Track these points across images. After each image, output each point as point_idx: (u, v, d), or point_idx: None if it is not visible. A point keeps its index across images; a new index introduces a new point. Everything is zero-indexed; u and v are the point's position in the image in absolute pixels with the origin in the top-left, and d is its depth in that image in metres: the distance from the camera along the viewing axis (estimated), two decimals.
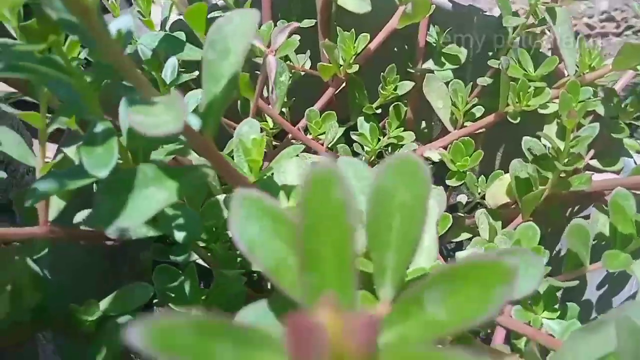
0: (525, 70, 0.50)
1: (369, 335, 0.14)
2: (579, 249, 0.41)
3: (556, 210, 0.50)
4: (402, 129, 0.55)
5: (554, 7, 0.48)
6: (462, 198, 0.63)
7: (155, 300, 0.43)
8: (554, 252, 0.54)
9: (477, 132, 0.53)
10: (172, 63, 0.39)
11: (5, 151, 0.35)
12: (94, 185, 0.34)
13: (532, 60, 0.50)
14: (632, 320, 0.21)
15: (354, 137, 0.55)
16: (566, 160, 0.45)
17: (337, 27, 0.53)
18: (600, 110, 0.48)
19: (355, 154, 0.56)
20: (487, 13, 0.56)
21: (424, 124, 0.64)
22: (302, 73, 0.56)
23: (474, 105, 0.53)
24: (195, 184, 0.31)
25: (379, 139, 0.54)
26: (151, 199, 0.24)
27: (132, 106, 0.23)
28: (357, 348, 0.13)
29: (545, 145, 0.46)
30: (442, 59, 0.57)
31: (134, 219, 0.23)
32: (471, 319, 0.16)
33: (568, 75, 0.49)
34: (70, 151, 0.37)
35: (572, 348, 0.25)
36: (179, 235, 0.33)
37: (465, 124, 0.54)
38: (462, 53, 0.56)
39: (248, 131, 0.37)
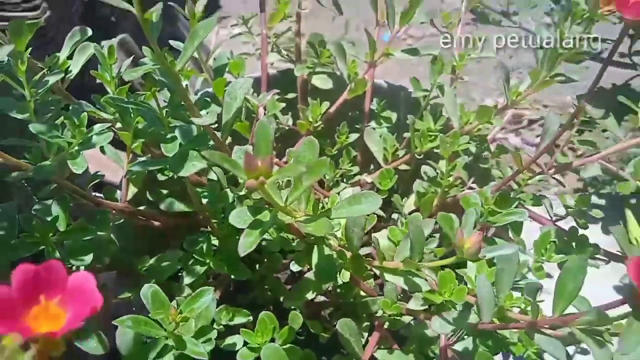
0: (426, 123, 0.77)
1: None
2: (448, 231, 0.66)
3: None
4: (351, 164, 0.82)
5: (443, 86, 0.76)
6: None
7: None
8: None
9: (399, 166, 0.79)
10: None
11: (109, 155, 0.61)
12: (159, 174, 0.61)
13: (433, 118, 0.77)
14: None
15: None
16: (449, 179, 0.71)
17: (309, 98, 0.82)
18: (472, 149, 0.74)
19: (320, 181, 0.82)
20: (410, 90, 0.84)
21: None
22: (287, 127, 0.84)
23: (397, 149, 0.80)
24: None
25: (335, 170, 0.81)
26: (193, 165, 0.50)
27: (191, 118, 0.50)
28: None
29: (435, 170, 0.72)
30: (380, 120, 0.85)
31: (186, 171, 0.49)
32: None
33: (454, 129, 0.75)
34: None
35: None
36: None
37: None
38: (393, 116, 0.84)
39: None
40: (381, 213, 0.77)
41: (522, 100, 0.70)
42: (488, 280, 0.52)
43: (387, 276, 0.53)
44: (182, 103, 0.51)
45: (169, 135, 0.53)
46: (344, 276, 0.56)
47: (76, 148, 0.49)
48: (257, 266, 0.74)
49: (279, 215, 0.44)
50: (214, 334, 0.52)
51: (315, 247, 0.56)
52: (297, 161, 0.45)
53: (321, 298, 0.75)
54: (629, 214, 1.15)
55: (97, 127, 0.52)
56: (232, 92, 0.51)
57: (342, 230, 0.57)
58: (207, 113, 0.51)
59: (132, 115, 0.58)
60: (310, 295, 0.56)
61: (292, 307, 0.63)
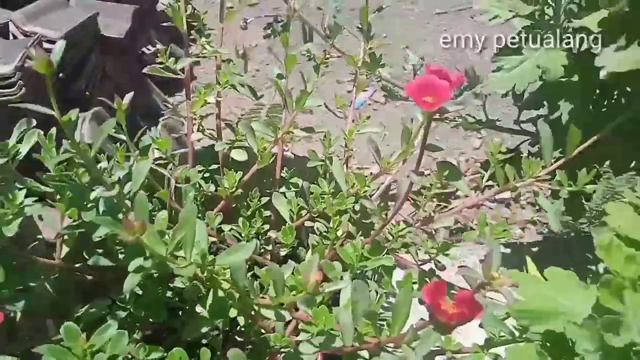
0: (321, 187, 0.93)
1: None
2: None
3: None
4: (263, 223, 0.97)
5: (332, 157, 0.92)
6: None
7: None
8: None
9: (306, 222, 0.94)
10: None
11: (46, 221, 0.75)
12: None
13: (327, 183, 0.93)
14: None
15: (235, 228, 0.96)
16: (336, 233, 0.86)
17: (225, 169, 0.98)
18: (357, 207, 0.90)
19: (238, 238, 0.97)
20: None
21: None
22: (209, 193, 0.99)
23: (301, 209, 0.95)
24: None
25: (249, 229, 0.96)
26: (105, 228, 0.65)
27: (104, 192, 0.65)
28: None
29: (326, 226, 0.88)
30: (290, 185, 1.01)
31: (99, 234, 0.64)
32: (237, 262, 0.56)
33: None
34: None
35: None
36: None
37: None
38: (300, 182, 1.00)
39: None
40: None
41: (392, 168, 0.87)
42: (348, 311, 0.66)
43: (262, 310, 0.67)
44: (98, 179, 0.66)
45: (89, 205, 0.68)
46: (232, 313, 0.70)
47: (10, 217, 0.63)
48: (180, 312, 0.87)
49: (166, 262, 0.58)
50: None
51: (211, 290, 0.70)
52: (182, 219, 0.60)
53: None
54: (529, 260, 1.32)
55: (27, 200, 0.66)
56: (138, 170, 0.67)
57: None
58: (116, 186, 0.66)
59: (65, 188, 0.73)
60: (204, 329, 0.69)
61: (205, 343, 0.76)
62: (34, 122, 0.80)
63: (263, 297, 0.68)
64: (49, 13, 1.53)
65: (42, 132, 0.79)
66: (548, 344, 0.65)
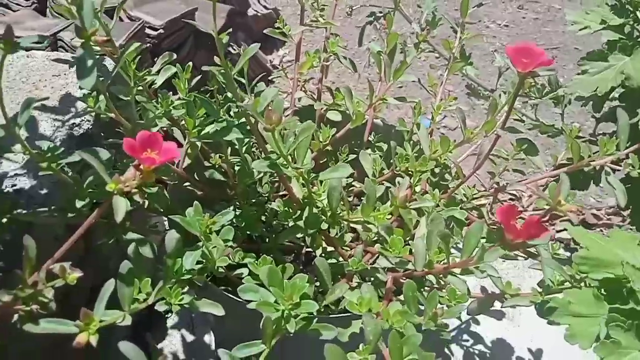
0: (406, 150, 1.03)
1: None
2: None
3: None
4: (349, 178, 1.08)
5: (420, 124, 1.02)
6: None
7: None
8: None
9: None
10: None
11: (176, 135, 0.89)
12: None
13: (411, 147, 1.03)
14: None
15: None
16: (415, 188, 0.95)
17: (322, 124, 1.09)
18: (437, 171, 0.99)
19: None
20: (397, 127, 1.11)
21: None
22: None
23: (383, 169, 1.05)
24: None
25: None
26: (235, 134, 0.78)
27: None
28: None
29: None
30: (375, 149, 1.11)
31: (231, 136, 0.76)
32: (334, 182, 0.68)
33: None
34: None
35: None
36: None
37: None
38: (384, 146, 1.10)
39: None
40: None
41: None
42: (423, 239, 0.76)
43: (352, 224, 0.77)
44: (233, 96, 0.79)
45: (220, 119, 0.81)
46: (324, 226, 0.80)
47: (162, 114, 0.78)
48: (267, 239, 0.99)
49: (280, 162, 0.70)
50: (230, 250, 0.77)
51: (307, 207, 0.81)
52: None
53: None
54: None
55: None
56: (265, 95, 0.79)
57: (326, 198, 0.82)
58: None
59: (196, 106, 0.86)
60: (299, 235, 0.80)
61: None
62: (174, 56, 0.95)
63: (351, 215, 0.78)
64: (155, 2, 1.73)
65: (179, 66, 0.94)
66: (604, 291, 0.72)
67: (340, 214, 0.78)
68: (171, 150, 0.54)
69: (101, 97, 0.73)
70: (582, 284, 0.74)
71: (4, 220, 0.77)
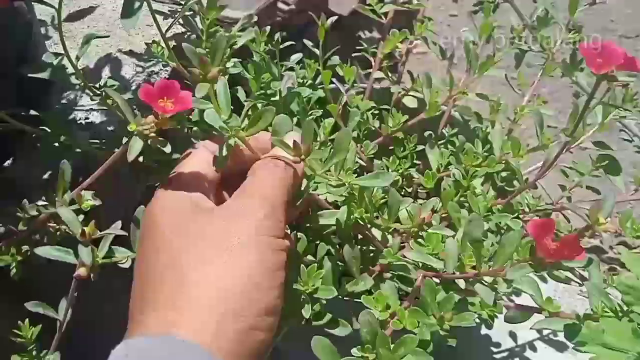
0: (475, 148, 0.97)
1: None
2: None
3: None
4: (410, 165, 1.03)
5: (494, 122, 0.96)
6: None
7: None
8: None
9: None
10: None
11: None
12: None
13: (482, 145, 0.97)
14: None
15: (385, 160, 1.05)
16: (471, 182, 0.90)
17: (393, 111, 1.06)
18: (503, 174, 0.92)
19: None
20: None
21: None
22: (373, 128, 1.08)
23: (449, 164, 1.00)
24: None
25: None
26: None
27: None
28: None
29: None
30: (448, 144, 1.06)
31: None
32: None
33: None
34: None
35: None
36: None
37: None
38: (457, 142, 1.05)
39: None
40: None
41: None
42: (454, 240, 0.71)
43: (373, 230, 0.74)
44: None
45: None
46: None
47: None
48: None
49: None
50: None
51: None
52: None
53: None
54: None
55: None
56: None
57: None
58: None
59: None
60: (332, 221, 0.78)
61: None
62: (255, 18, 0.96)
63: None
64: None
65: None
66: None
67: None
68: (186, 100, 0.55)
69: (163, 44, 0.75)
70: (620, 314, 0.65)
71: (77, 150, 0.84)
